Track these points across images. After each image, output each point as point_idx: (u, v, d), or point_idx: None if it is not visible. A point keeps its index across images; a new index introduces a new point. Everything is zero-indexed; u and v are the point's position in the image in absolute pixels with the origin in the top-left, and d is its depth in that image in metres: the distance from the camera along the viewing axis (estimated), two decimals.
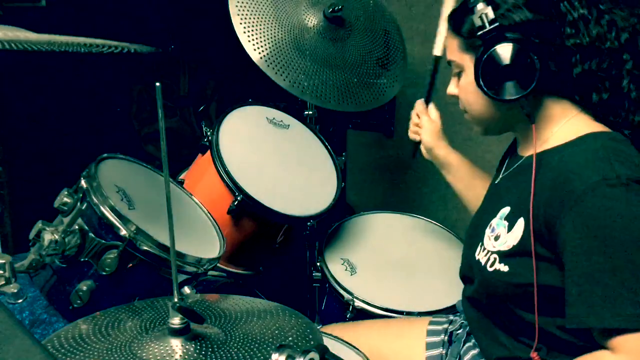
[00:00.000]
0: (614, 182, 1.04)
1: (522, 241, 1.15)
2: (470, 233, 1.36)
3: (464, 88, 1.27)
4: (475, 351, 1.33)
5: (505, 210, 1.21)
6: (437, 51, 1.58)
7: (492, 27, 1.14)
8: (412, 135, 1.65)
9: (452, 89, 1.33)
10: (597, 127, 1.17)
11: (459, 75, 1.28)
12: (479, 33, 1.16)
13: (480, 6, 1.15)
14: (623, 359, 1.02)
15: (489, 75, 1.16)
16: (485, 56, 1.15)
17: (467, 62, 1.23)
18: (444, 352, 1.41)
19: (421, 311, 1.61)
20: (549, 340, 1.16)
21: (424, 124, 1.60)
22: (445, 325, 1.45)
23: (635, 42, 1.16)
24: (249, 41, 1.75)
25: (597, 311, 1.02)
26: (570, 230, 1.05)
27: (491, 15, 1.14)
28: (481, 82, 1.17)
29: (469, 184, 1.56)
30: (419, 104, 1.63)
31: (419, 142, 1.63)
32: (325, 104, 1.81)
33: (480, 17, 1.15)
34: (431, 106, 1.62)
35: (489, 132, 1.31)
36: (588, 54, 1.15)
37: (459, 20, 1.23)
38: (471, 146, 2.37)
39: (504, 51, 1.13)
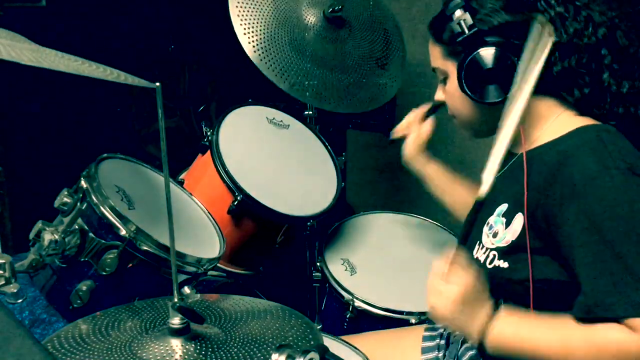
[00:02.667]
0: (613, 172, 1.04)
1: (520, 237, 1.15)
2: (464, 233, 1.36)
3: (450, 94, 1.28)
4: (473, 352, 1.33)
5: (503, 207, 1.22)
6: None
7: (471, 32, 1.16)
8: (397, 128, 1.64)
9: (439, 95, 1.34)
10: (585, 121, 1.18)
11: (444, 81, 1.29)
12: (459, 39, 1.17)
13: (458, 13, 1.17)
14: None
15: (472, 79, 1.17)
16: (466, 62, 1.16)
17: (451, 68, 1.24)
18: (439, 355, 1.41)
19: (421, 311, 1.62)
20: None
21: (412, 132, 1.59)
22: (441, 330, 1.46)
23: (614, 36, 1.17)
24: (249, 42, 1.75)
25: (605, 301, 1.02)
26: (572, 222, 1.06)
27: (469, 21, 1.16)
28: (465, 87, 1.18)
29: (447, 191, 1.57)
30: (422, 108, 1.60)
31: (400, 139, 1.63)
32: (324, 105, 1.82)
33: (459, 23, 1.17)
34: (429, 120, 1.58)
35: (479, 134, 1.32)
36: (567, 51, 1.16)
37: (439, 28, 1.24)
38: (471, 146, 2.38)
39: (485, 55, 1.15)
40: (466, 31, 1.16)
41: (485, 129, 1.29)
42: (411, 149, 1.58)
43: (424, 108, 1.60)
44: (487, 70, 1.15)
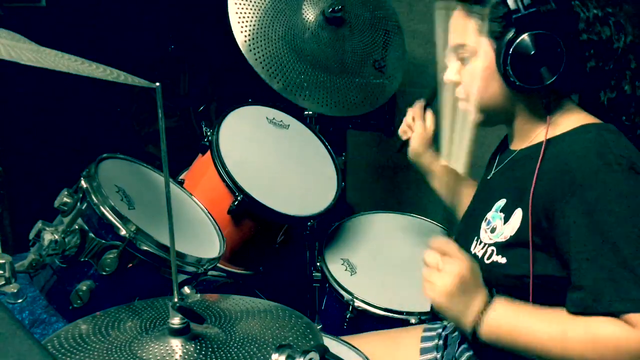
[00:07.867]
0: (614, 168, 1.05)
1: (519, 232, 1.15)
2: (462, 230, 1.37)
3: (474, 74, 1.22)
4: (470, 352, 1.33)
5: (501, 202, 1.22)
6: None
7: (527, 12, 1.13)
8: (401, 132, 1.64)
9: (452, 75, 1.28)
10: (590, 119, 1.19)
11: (463, 60, 1.24)
12: (515, 16, 1.14)
13: None
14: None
15: (518, 61, 1.14)
16: (517, 42, 1.13)
17: (485, 46, 1.19)
18: (438, 355, 1.41)
19: (421, 311, 1.62)
20: None
21: (417, 128, 1.58)
22: (439, 331, 1.46)
23: (636, 44, 1.17)
24: (247, 43, 1.75)
25: (604, 297, 1.02)
26: (572, 217, 1.06)
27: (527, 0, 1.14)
28: (508, 68, 1.15)
29: (453, 190, 1.57)
30: (418, 105, 1.61)
31: (406, 140, 1.62)
32: (319, 108, 1.82)
33: (516, 0, 1.14)
34: (428, 113, 1.59)
35: (488, 122, 1.28)
36: (599, 51, 1.16)
37: (483, 2, 1.19)
38: (472, 146, 2.37)
39: (538, 38, 1.12)
40: (522, 10, 1.13)
41: (498, 117, 1.27)
42: (417, 146, 1.58)
43: (419, 104, 1.61)
44: (534, 54, 1.12)
